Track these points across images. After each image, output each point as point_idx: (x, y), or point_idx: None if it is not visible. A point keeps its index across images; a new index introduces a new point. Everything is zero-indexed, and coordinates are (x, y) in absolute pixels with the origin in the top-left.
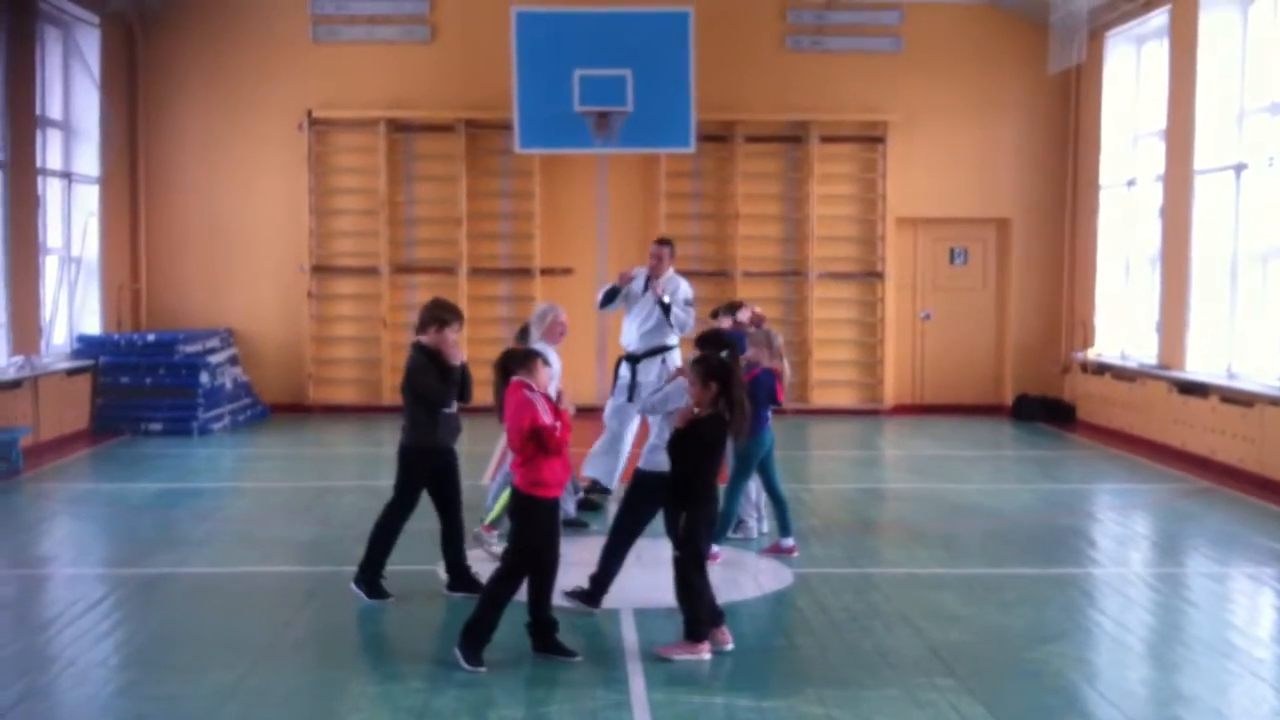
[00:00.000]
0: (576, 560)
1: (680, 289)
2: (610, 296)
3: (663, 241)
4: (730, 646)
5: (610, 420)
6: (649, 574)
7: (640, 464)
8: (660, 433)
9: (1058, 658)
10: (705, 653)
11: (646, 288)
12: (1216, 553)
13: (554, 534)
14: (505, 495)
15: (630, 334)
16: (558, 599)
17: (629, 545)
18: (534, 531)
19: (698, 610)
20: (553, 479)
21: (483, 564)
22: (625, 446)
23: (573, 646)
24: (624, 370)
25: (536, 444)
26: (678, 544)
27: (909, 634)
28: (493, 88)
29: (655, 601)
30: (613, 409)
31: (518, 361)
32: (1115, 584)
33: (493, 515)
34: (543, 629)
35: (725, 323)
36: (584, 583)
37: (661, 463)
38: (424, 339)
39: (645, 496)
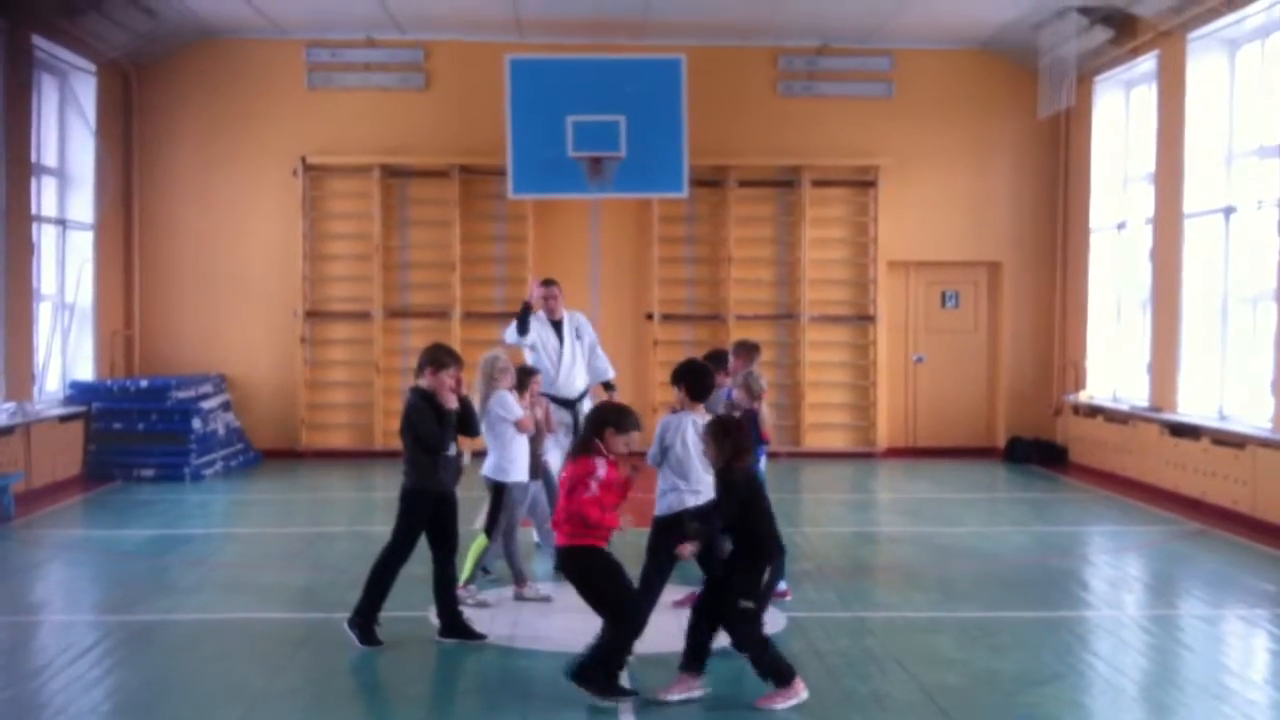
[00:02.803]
0: (575, 605)
1: (589, 330)
2: (524, 322)
3: (549, 282)
4: (699, 694)
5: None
6: None
7: (657, 511)
8: (666, 476)
9: (1051, 701)
10: (802, 692)
11: (560, 334)
12: (1209, 595)
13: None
14: (475, 549)
15: (568, 378)
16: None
17: (659, 592)
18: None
19: (771, 657)
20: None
21: (474, 610)
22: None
23: (567, 692)
24: (566, 415)
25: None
26: (747, 595)
27: (903, 678)
28: (486, 134)
29: (644, 647)
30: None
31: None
32: (1109, 627)
33: (466, 574)
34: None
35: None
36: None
37: (674, 505)
38: (421, 382)
39: (666, 542)
